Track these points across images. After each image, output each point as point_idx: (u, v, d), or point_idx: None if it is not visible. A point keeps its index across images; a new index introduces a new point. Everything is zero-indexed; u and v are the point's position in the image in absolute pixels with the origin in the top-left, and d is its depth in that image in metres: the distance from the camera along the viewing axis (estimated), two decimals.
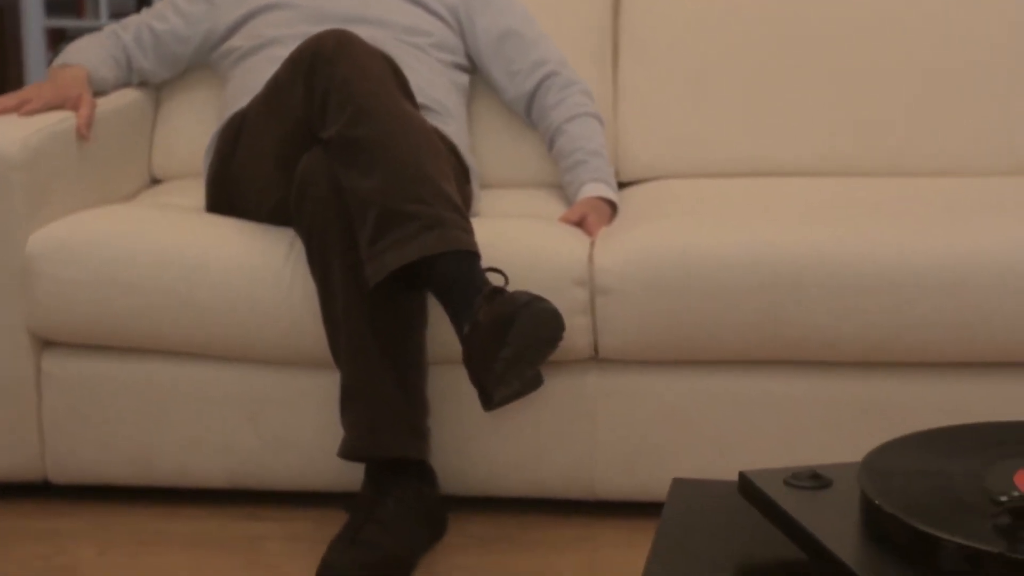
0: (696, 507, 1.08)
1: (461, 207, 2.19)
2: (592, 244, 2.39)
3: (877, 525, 0.89)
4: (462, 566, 2.24)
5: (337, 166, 2.20)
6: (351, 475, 2.36)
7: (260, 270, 2.36)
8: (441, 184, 2.17)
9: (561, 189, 2.79)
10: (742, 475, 1.00)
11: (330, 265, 2.23)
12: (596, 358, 2.37)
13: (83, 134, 2.60)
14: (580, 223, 2.52)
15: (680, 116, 2.92)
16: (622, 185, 2.90)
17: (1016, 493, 0.82)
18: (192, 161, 2.89)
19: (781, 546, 1.00)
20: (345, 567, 2.14)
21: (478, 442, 2.40)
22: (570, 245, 2.36)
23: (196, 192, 2.73)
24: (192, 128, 2.93)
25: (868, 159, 2.86)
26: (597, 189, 2.66)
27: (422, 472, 2.31)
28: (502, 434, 2.39)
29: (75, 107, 2.62)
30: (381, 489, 2.25)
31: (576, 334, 2.31)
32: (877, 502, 0.88)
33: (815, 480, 0.99)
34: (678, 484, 1.12)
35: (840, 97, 2.88)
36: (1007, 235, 2.30)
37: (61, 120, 2.58)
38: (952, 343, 2.27)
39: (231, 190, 2.53)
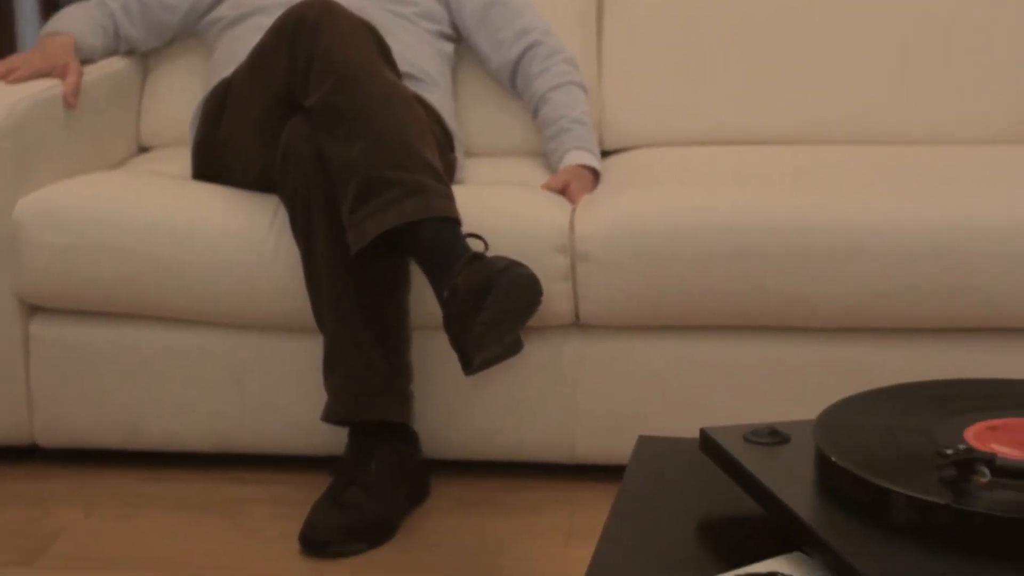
0: (660, 464, 1.09)
1: (442, 174, 2.19)
2: (573, 211, 2.40)
3: (830, 479, 0.90)
4: (444, 528, 2.26)
5: (319, 134, 2.21)
6: (335, 439, 2.38)
7: (245, 236, 2.37)
8: (422, 151, 2.18)
9: (545, 157, 2.80)
10: (703, 432, 1.02)
11: (313, 231, 2.24)
12: (577, 324, 2.38)
13: (70, 102, 2.60)
14: (563, 190, 2.53)
15: (664, 85, 2.92)
16: (606, 153, 2.91)
17: (962, 446, 0.83)
18: (180, 129, 2.90)
19: (741, 501, 1.02)
20: (328, 529, 2.16)
21: (460, 407, 2.41)
22: (551, 212, 2.37)
23: (184, 160, 2.74)
24: (180, 96, 2.94)
25: (849, 128, 2.87)
26: (580, 157, 2.67)
27: (405, 436, 2.32)
28: (484, 399, 2.41)
29: (62, 75, 2.63)
30: (364, 453, 2.26)
31: (557, 300, 2.32)
32: (830, 457, 0.89)
33: (773, 436, 1.00)
34: (643, 442, 1.13)
35: (822, 66, 2.89)
36: (983, 202, 2.30)
37: (48, 88, 2.58)
38: (930, 308, 2.28)
39: (217, 158, 2.54)
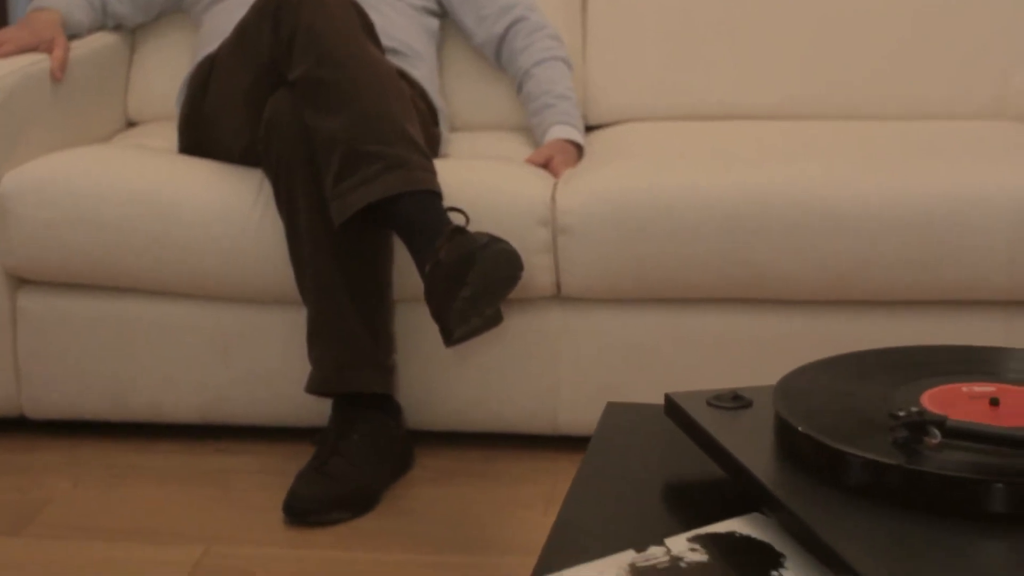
0: (627, 429, 1.11)
1: (424, 148, 2.20)
2: (555, 185, 2.42)
3: (788, 442, 0.91)
4: (427, 498, 2.27)
5: (303, 107, 2.21)
6: (319, 410, 2.40)
7: (230, 210, 2.38)
8: (404, 125, 2.19)
9: (530, 132, 2.81)
10: (668, 397, 1.03)
11: (297, 204, 2.25)
12: (558, 296, 2.40)
13: (56, 76, 2.61)
14: (546, 164, 2.54)
15: (648, 60, 2.93)
16: (591, 128, 2.92)
17: (914, 409, 0.85)
18: (167, 104, 2.90)
19: (705, 464, 1.03)
20: (311, 498, 2.17)
21: (444, 378, 2.43)
22: (533, 185, 2.38)
23: (171, 134, 2.74)
24: (167, 71, 2.94)
25: (835, 103, 2.88)
26: (563, 131, 2.68)
27: (388, 407, 2.34)
28: (467, 370, 2.42)
29: (49, 49, 2.63)
30: (347, 423, 2.28)
31: (539, 273, 2.34)
32: (788, 421, 0.91)
33: (736, 401, 1.01)
34: (612, 408, 1.15)
35: (805, 43, 2.89)
36: (961, 177, 2.31)
37: (35, 62, 2.59)
38: (908, 281, 2.30)
39: (202, 132, 2.55)
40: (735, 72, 2.90)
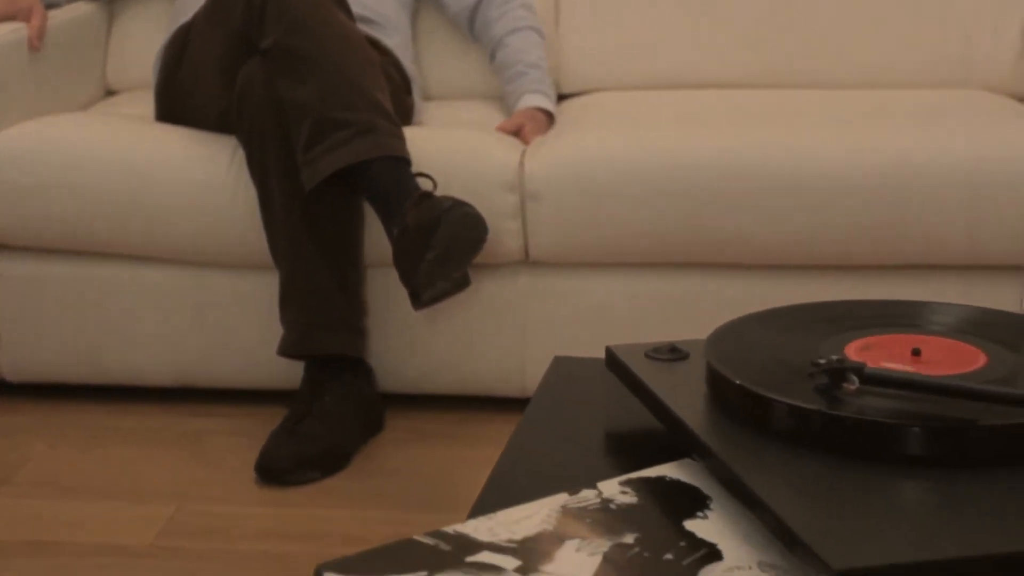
0: (571, 382, 1.13)
1: (393, 115, 2.22)
2: (523, 152, 2.44)
3: (718, 391, 0.94)
4: (398, 458, 2.30)
5: (274, 75, 2.23)
6: (292, 373, 2.42)
7: (204, 176, 2.40)
8: (373, 93, 2.21)
9: (503, 100, 2.82)
10: (608, 349, 1.06)
11: (268, 170, 2.27)
12: (527, 261, 2.42)
13: (34, 45, 2.62)
14: (517, 132, 2.56)
15: (620, 30, 2.94)
16: (564, 97, 2.94)
17: (834, 357, 0.87)
18: (146, 72, 2.90)
19: (643, 415, 1.06)
20: (283, 458, 2.20)
21: (415, 342, 2.45)
22: (502, 152, 2.40)
23: (149, 103, 2.75)
24: (146, 40, 2.94)
25: (803, 71, 2.90)
26: (535, 100, 2.70)
27: (359, 369, 2.36)
28: (438, 334, 2.44)
29: (26, 18, 2.64)
30: (319, 385, 2.30)
31: (507, 237, 2.36)
32: (717, 369, 0.93)
33: (673, 353, 1.04)
34: (558, 362, 1.17)
35: (777, 10, 2.90)
36: (926, 143, 2.33)
37: (12, 31, 2.60)
38: (867, 246, 2.32)
39: (178, 100, 2.56)
40: (705, 42, 2.91)
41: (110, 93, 3.01)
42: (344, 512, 2.10)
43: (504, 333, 2.43)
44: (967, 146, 2.31)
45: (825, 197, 2.30)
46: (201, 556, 1.97)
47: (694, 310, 2.40)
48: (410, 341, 2.44)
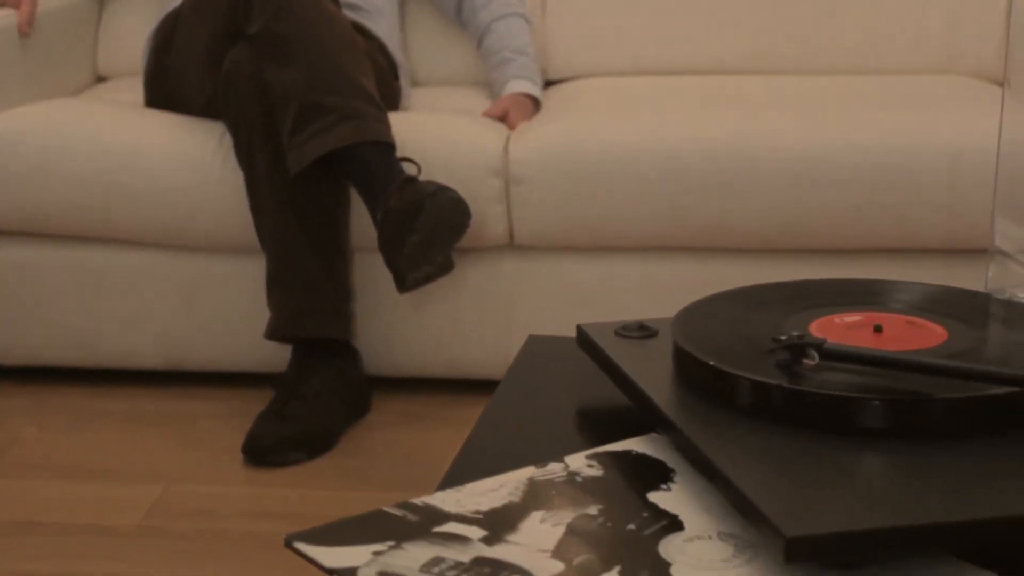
0: (544, 360, 1.15)
1: (378, 100, 2.24)
2: (508, 137, 2.45)
3: (683, 367, 0.95)
4: (384, 440, 2.32)
5: (260, 61, 2.24)
6: (280, 356, 2.43)
7: (192, 161, 2.41)
8: (358, 78, 2.22)
9: (489, 86, 2.83)
10: (579, 328, 1.07)
11: (255, 156, 2.28)
12: (512, 244, 2.43)
13: (23, 31, 2.63)
14: (503, 118, 2.58)
15: (607, 17, 2.95)
16: (551, 83, 2.95)
17: (795, 333, 0.89)
18: (136, 59, 2.91)
19: (612, 392, 1.07)
20: (269, 439, 2.21)
21: (402, 325, 2.47)
22: (487, 137, 2.41)
23: (139, 89, 2.76)
24: (136, 27, 2.95)
25: (788, 58, 2.91)
26: (520, 85, 2.71)
27: (346, 352, 2.38)
28: (424, 317, 2.46)
29: (16, 5, 2.65)
30: (306, 368, 2.32)
31: (492, 222, 2.37)
32: (682, 345, 0.95)
33: (642, 331, 1.05)
34: (532, 340, 1.19)
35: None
36: (907, 127, 2.34)
37: (2, 17, 2.60)
38: (854, 229, 2.34)
39: (167, 86, 2.57)
40: (691, 29, 2.92)
41: (100, 79, 3.02)
42: (329, 493, 2.12)
43: (489, 316, 2.44)
44: (946, 130, 2.32)
45: (806, 182, 2.31)
46: (188, 536, 1.99)
47: (677, 293, 2.41)
48: (397, 324, 2.46)
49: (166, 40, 2.56)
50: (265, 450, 2.20)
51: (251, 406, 2.39)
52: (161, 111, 2.55)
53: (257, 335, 2.44)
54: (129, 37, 2.96)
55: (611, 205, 2.34)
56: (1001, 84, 2.81)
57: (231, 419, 2.38)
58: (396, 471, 2.19)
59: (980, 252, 2.34)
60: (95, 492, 2.12)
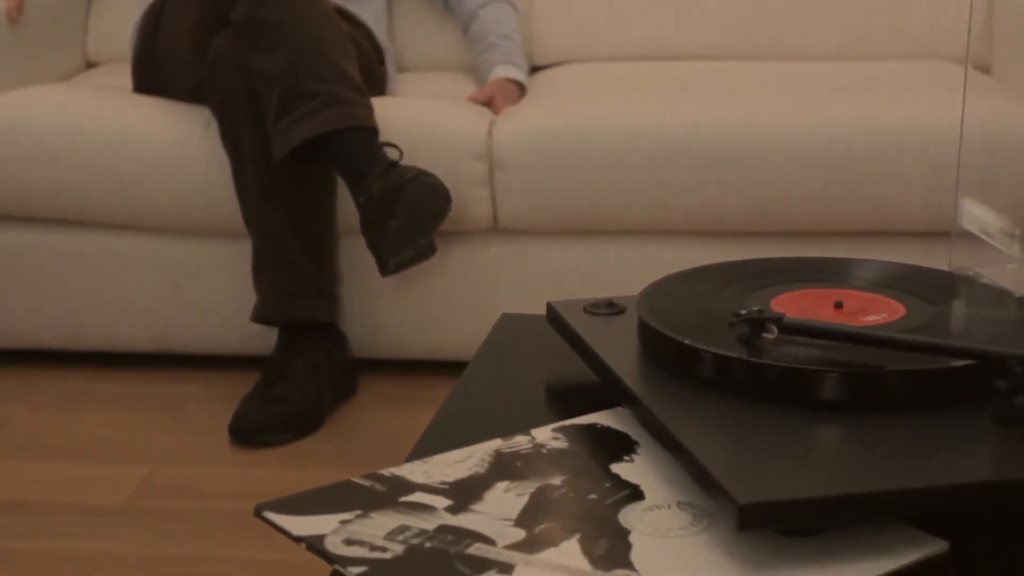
0: (515, 337, 1.16)
1: (361, 86, 2.25)
2: (492, 121, 2.46)
3: (648, 342, 0.97)
4: (369, 421, 2.33)
5: (245, 47, 2.26)
6: (267, 339, 2.45)
7: (179, 146, 2.42)
8: (342, 64, 2.23)
9: (476, 72, 2.84)
10: (549, 305, 1.08)
11: (240, 141, 2.29)
12: (495, 228, 2.45)
13: (12, 16, 2.64)
14: (488, 103, 2.59)
15: (593, 3, 2.96)
16: (537, 69, 2.96)
17: (755, 308, 0.90)
18: (126, 45, 2.93)
19: (581, 369, 1.09)
20: (255, 420, 2.23)
21: (389, 308, 2.48)
22: (471, 122, 2.42)
23: (128, 75, 2.77)
24: (125, 13, 2.96)
25: (772, 43, 2.92)
26: (506, 71, 2.72)
27: (332, 335, 2.39)
28: (410, 300, 2.47)
29: None
30: (292, 350, 2.33)
31: (476, 205, 2.39)
32: (646, 320, 0.96)
33: (610, 308, 1.07)
34: (504, 318, 1.20)
35: None
36: (885, 112, 2.36)
37: None
38: (833, 213, 2.35)
39: (153, 72, 2.58)
40: (676, 14, 2.93)
41: (90, 65, 3.03)
42: (315, 473, 2.13)
43: (474, 300, 2.46)
44: (923, 114, 2.34)
45: (787, 166, 2.32)
46: (174, 515, 2.01)
47: (659, 275, 2.40)
48: (383, 307, 2.47)
49: (152, 27, 2.57)
50: (251, 431, 2.22)
51: (238, 388, 2.40)
52: (149, 97, 2.56)
53: (244, 318, 2.45)
54: (118, 23, 2.96)
55: (594, 189, 2.35)
56: (983, 70, 2.82)
57: (218, 401, 2.39)
58: (381, 452, 2.20)
59: (967, 237, 2.35)
60: (83, 472, 2.14)
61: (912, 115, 2.34)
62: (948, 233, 2.36)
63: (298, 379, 2.28)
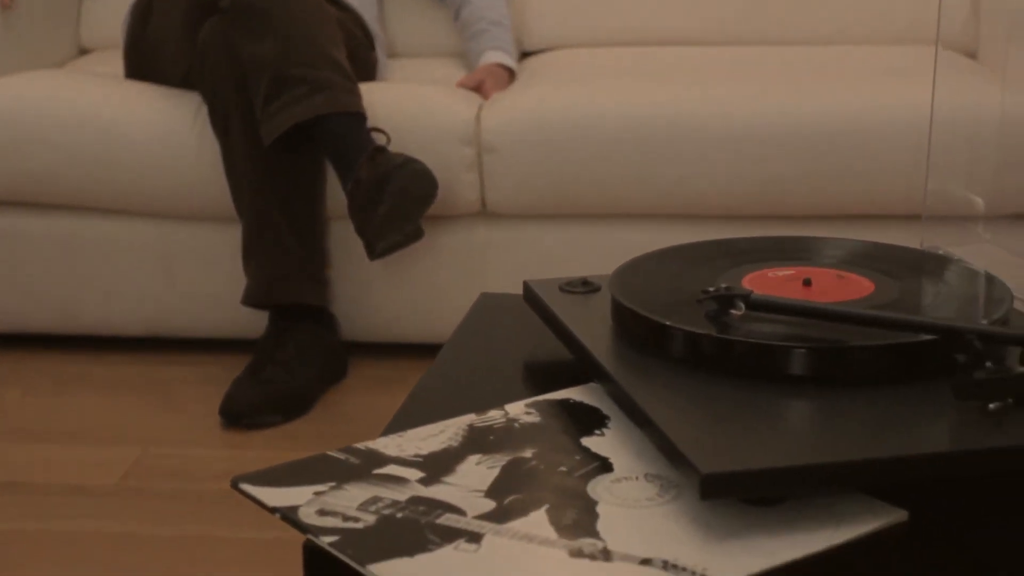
0: (494, 315, 1.18)
1: (349, 71, 2.26)
2: (480, 106, 2.47)
3: (620, 320, 0.98)
4: (359, 403, 2.35)
5: (234, 33, 2.27)
6: (258, 322, 2.46)
7: (171, 131, 2.43)
8: (330, 50, 2.25)
9: (466, 57, 2.85)
10: (526, 284, 1.10)
11: (230, 126, 2.30)
12: (484, 212, 2.46)
13: (5, 3, 2.65)
14: (477, 88, 2.60)
15: None
16: (527, 55, 2.97)
17: (723, 285, 0.92)
18: (119, 32, 2.94)
19: (556, 347, 1.10)
20: (245, 402, 2.24)
21: (379, 291, 2.49)
22: (459, 107, 2.43)
23: (120, 61, 2.78)
24: (119, 0, 2.97)
25: (759, 28, 2.93)
26: (496, 56, 2.73)
27: (322, 318, 2.41)
28: (400, 284, 2.48)
29: None
30: (282, 333, 2.35)
31: (465, 190, 2.40)
32: (618, 299, 0.98)
33: (585, 286, 1.08)
34: (484, 298, 1.22)
35: None
36: (870, 96, 2.37)
37: None
38: (817, 197, 2.36)
39: (145, 58, 2.59)
40: (665, 1, 2.94)
41: (84, 52, 3.04)
42: (304, 454, 2.14)
43: (463, 283, 2.47)
44: (908, 99, 2.35)
45: (774, 150, 2.34)
46: (165, 496, 2.02)
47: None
48: (373, 291, 2.48)
49: (144, 14, 2.58)
50: (241, 412, 2.23)
51: (229, 372, 2.42)
52: (141, 83, 2.57)
53: (234, 302, 2.46)
54: (112, 10, 2.97)
55: (582, 174, 2.36)
56: (970, 55, 2.83)
57: (209, 384, 2.41)
58: (370, 434, 2.22)
59: (938, 217, 2.37)
60: (76, 454, 2.15)
61: (896, 100, 2.35)
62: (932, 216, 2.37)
63: (288, 361, 2.29)
